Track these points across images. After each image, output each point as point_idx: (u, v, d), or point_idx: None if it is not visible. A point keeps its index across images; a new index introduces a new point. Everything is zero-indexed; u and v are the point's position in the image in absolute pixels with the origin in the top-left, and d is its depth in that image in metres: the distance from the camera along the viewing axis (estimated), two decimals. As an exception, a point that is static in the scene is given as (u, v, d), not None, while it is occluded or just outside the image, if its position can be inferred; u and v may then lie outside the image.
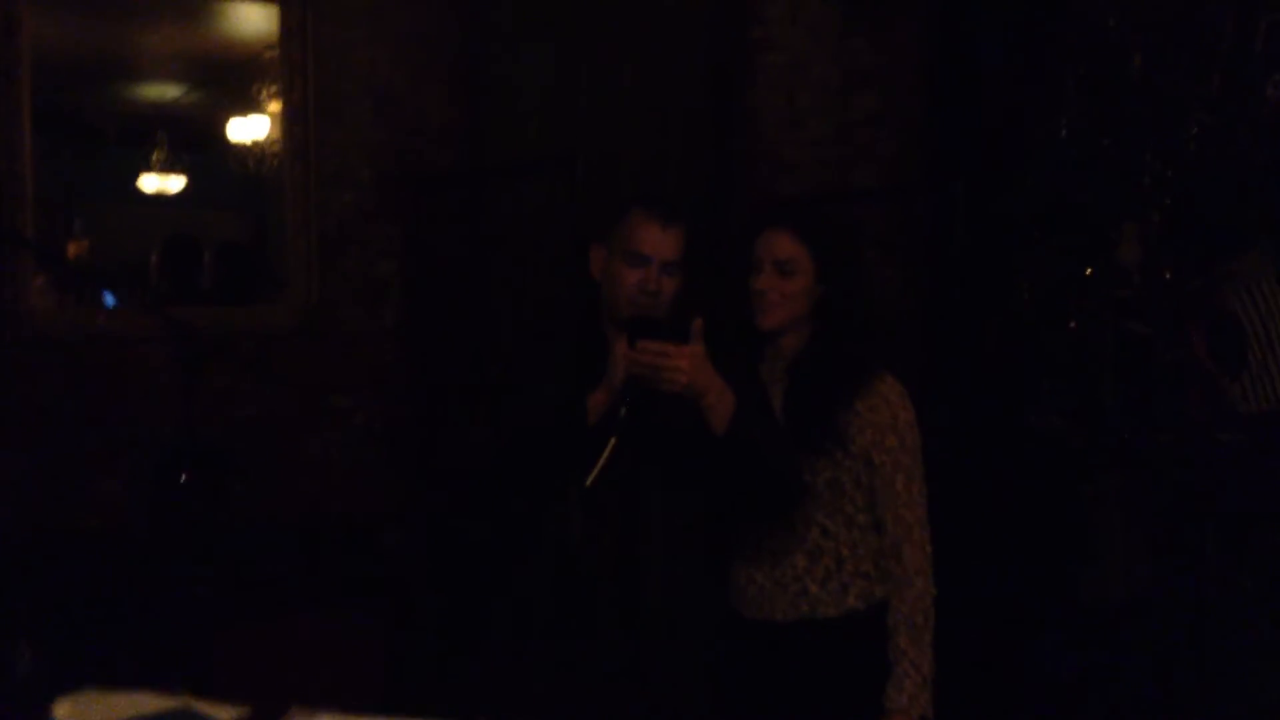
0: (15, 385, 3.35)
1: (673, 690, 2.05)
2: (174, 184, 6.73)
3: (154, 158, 6.60)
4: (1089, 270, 3.52)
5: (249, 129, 5.54)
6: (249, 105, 5.46)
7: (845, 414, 2.13)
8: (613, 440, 1.92)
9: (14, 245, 3.27)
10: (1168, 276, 3.42)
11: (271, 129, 5.40)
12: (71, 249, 3.67)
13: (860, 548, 2.15)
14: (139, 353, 3.51)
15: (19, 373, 3.36)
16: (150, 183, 6.68)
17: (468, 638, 3.07)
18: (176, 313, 3.17)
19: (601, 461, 1.92)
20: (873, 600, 2.14)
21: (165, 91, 6.10)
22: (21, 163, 3.30)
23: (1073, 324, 3.56)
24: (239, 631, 2.84)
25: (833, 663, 2.14)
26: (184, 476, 3.11)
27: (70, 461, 3.39)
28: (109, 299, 4.53)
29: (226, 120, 5.63)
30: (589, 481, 1.93)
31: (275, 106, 5.32)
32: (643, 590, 2.02)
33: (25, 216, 3.30)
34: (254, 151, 5.56)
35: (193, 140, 6.49)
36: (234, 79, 5.42)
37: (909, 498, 2.13)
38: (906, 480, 2.13)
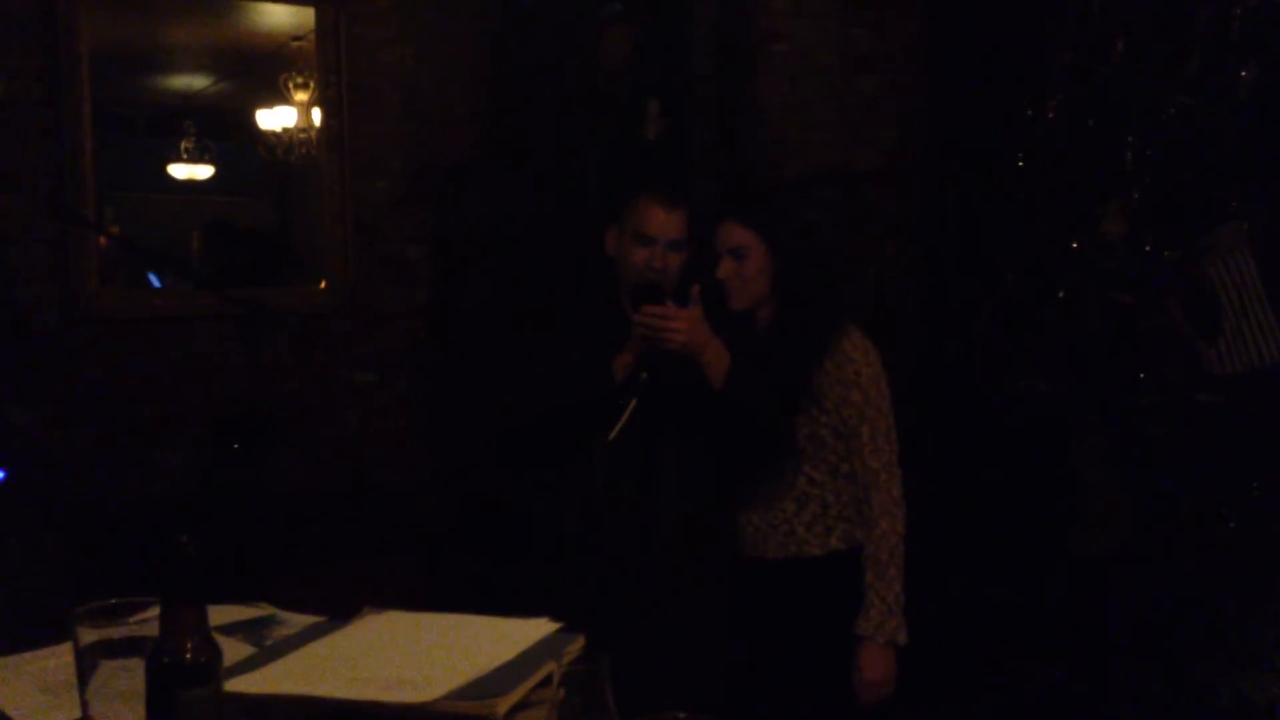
0: (79, 363, 3.61)
1: (687, 620, 2.29)
2: (202, 172, 6.94)
3: (182, 147, 6.81)
4: (1075, 244, 3.71)
5: (276, 118, 5.74)
6: (275, 95, 5.66)
7: (816, 374, 2.33)
8: (633, 400, 2.18)
9: (87, 230, 3.51)
10: (1149, 249, 3.59)
11: (298, 118, 5.61)
12: (101, 238, 3.91)
13: (844, 494, 2.36)
14: (191, 331, 3.78)
15: (82, 351, 3.62)
16: (179, 171, 6.88)
17: (497, 584, 3.30)
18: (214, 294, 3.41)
19: (623, 419, 2.18)
20: (853, 541, 2.35)
21: (193, 82, 6.30)
22: (84, 155, 3.54)
23: (1061, 294, 3.75)
24: (286, 580, 3.06)
25: (817, 596, 2.35)
26: (237, 445, 3.37)
27: (130, 433, 3.67)
28: (154, 281, 4.78)
29: (253, 110, 5.83)
30: (611, 436, 2.18)
31: (301, 96, 5.52)
32: (659, 532, 2.25)
33: (88, 205, 3.55)
34: (281, 140, 5.77)
35: (220, 129, 6.69)
36: (260, 70, 5.61)
37: (874, 446, 2.33)
38: (871, 431, 2.33)
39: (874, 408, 2.34)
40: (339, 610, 1.64)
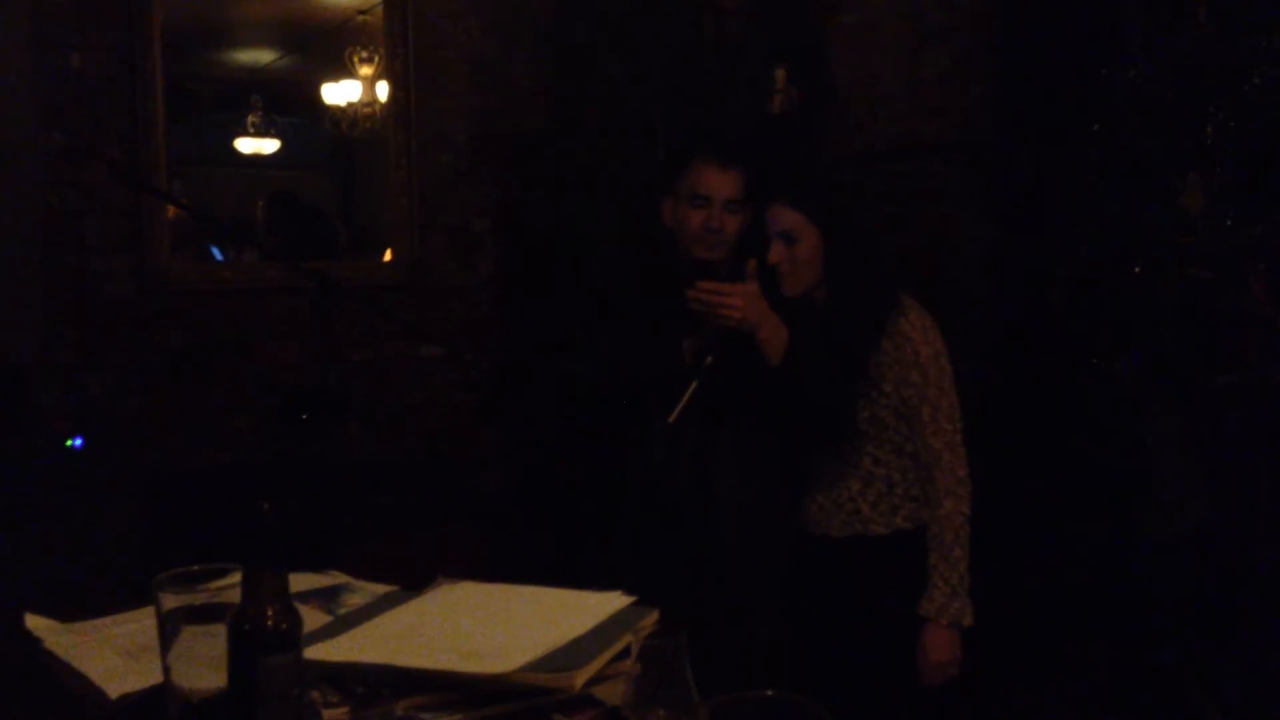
0: (152, 333, 3.67)
1: (749, 599, 2.27)
2: (268, 146, 7.01)
3: (249, 121, 6.89)
4: (1152, 219, 3.62)
5: (341, 92, 5.78)
6: (340, 70, 5.70)
7: (874, 355, 2.27)
8: (694, 383, 2.14)
9: (161, 201, 3.56)
10: (1230, 224, 3.50)
11: (363, 92, 5.64)
12: (170, 210, 3.96)
13: (910, 473, 2.31)
14: (260, 302, 3.82)
15: (155, 321, 3.68)
16: (245, 145, 6.97)
17: (561, 561, 3.31)
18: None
19: (684, 401, 2.15)
20: (920, 521, 2.30)
21: (259, 57, 6.36)
22: (156, 129, 3.59)
23: (1136, 270, 3.67)
24: (353, 549, 3.09)
25: (882, 575, 2.31)
26: (306, 416, 3.39)
27: (201, 402, 3.72)
28: (217, 254, 4.84)
29: (318, 84, 5.87)
30: (672, 418, 2.15)
31: (366, 70, 5.55)
32: (718, 514, 2.22)
33: (159, 178, 3.60)
34: (346, 114, 5.80)
35: (285, 104, 6.75)
36: (325, 44, 5.65)
37: (936, 426, 2.26)
38: (932, 411, 2.26)
39: (934, 387, 2.27)
40: (407, 580, 1.65)
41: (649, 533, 2.25)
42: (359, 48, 5.47)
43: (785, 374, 2.12)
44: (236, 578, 1.06)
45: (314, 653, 1.25)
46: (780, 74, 3.55)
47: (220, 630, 1.05)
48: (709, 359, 2.14)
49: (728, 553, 2.22)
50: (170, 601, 1.13)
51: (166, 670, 1.12)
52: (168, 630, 1.12)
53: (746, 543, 2.24)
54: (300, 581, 1.64)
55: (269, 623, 1.02)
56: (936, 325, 2.33)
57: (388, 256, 4.26)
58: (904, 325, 2.28)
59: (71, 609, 1.49)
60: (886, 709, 2.34)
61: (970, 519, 2.28)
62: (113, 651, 1.36)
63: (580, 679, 1.22)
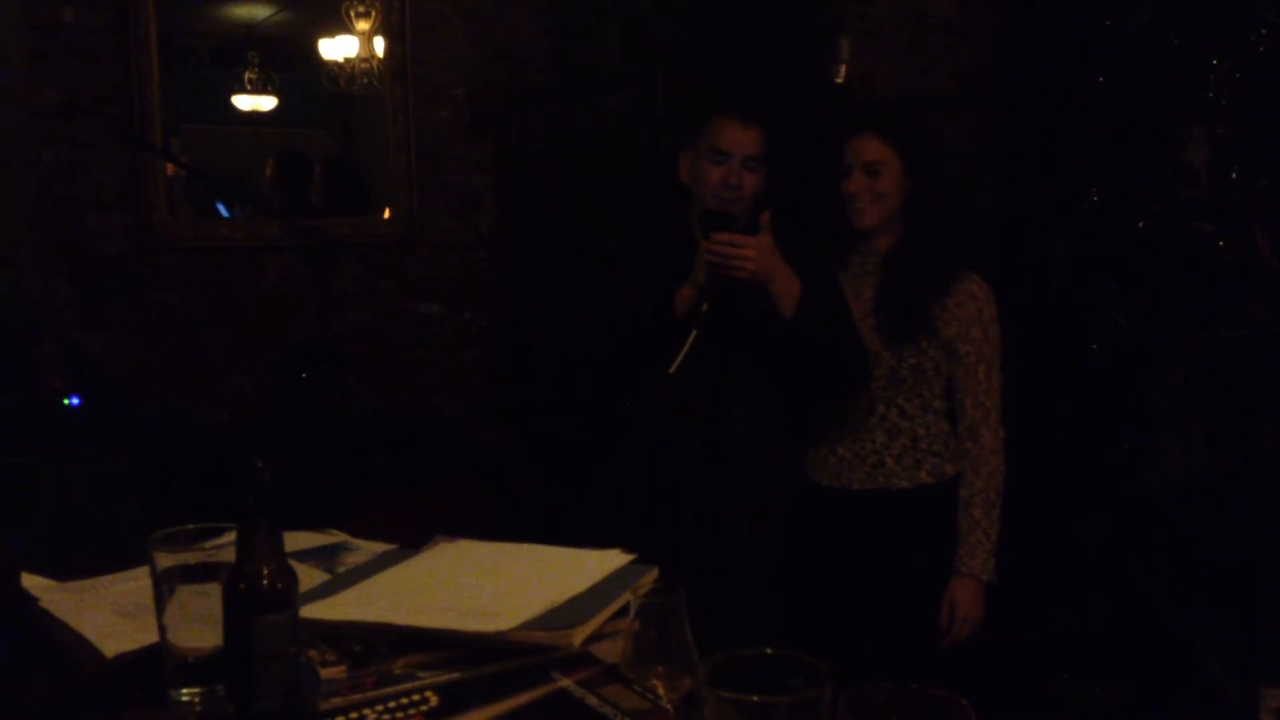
0: (149, 291, 3.65)
1: (753, 555, 2.26)
2: (265, 103, 6.95)
3: (246, 78, 6.82)
4: (1156, 172, 3.59)
5: (338, 48, 5.72)
6: (337, 25, 5.63)
7: (935, 307, 2.30)
8: (694, 332, 2.14)
9: (157, 157, 3.53)
10: (1234, 177, 3.47)
11: (360, 47, 5.59)
12: (169, 167, 3.92)
13: (934, 430, 2.34)
14: (259, 260, 3.80)
15: (152, 279, 3.65)
16: (243, 102, 6.90)
17: (563, 516, 3.30)
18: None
19: (684, 351, 2.14)
20: (942, 476, 2.34)
21: (255, 12, 6.28)
22: (151, 85, 3.55)
23: (1140, 224, 3.64)
24: (353, 508, 3.09)
25: (902, 530, 2.33)
26: (305, 374, 3.38)
27: (199, 360, 3.71)
28: (223, 211, 4.81)
29: (315, 40, 5.81)
30: (673, 369, 2.15)
31: (363, 25, 5.49)
32: (726, 467, 2.21)
33: (155, 134, 3.56)
34: (344, 70, 5.75)
35: (282, 60, 6.68)
36: (322, -2, 5.58)
37: (988, 385, 2.32)
38: (987, 370, 2.32)
39: (991, 347, 2.33)
40: (406, 538, 1.64)
41: (655, 491, 2.24)
42: (355, 2, 5.42)
43: (798, 326, 2.12)
44: (231, 537, 1.05)
45: (311, 611, 1.25)
46: (844, 44, 3.47)
47: (216, 589, 1.04)
48: (705, 306, 2.14)
49: (735, 511, 2.23)
50: (165, 560, 1.12)
51: (162, 629, 1.12)
52: (163, 589, 1.11)
53: (754, 501, 2.25)
54: (299, 540, 1.64)
55: (264, 582, 1.02)
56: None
57: (387, 214, 4.23)
58: (969, 284, 2.33)
59: (68, 568, 1.49)
60: (901, 664, 2.34)
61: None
62: (109, 610, 1.36)
63: (579, 637, 1.22)
